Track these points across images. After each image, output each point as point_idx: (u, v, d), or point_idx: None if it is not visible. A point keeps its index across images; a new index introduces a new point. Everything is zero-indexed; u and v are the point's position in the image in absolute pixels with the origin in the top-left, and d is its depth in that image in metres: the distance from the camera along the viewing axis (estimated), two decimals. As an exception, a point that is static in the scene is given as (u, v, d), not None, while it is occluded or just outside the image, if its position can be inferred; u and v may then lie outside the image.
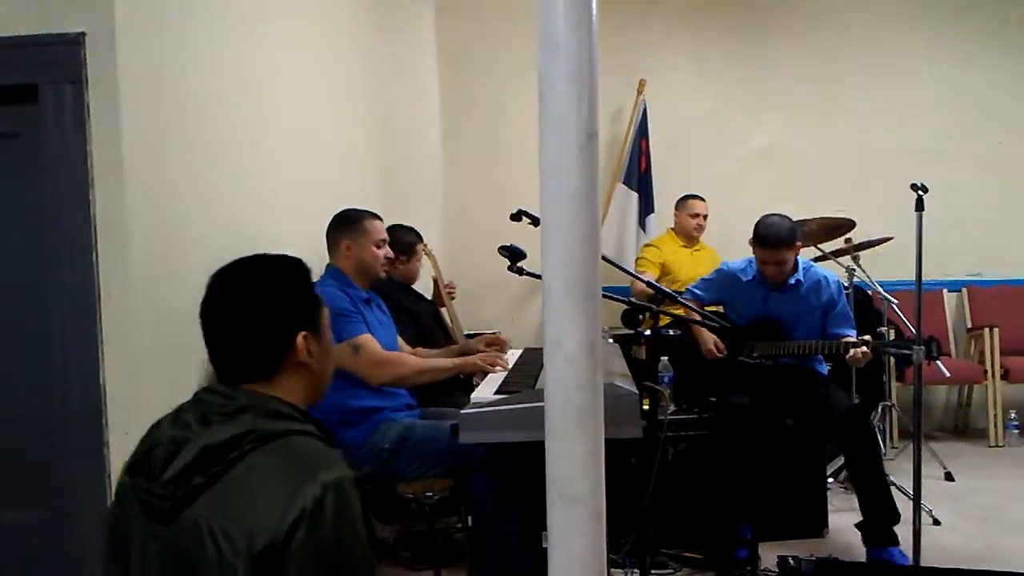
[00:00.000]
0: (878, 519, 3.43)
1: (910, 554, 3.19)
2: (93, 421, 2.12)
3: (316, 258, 3.52)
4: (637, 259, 5.38)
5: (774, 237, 3.59)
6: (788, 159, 5.93)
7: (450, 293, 4.65)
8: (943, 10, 5.91)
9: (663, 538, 3.50)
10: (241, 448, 1.33)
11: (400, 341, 3.36)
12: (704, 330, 3.80)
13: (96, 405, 2.12)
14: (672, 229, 5.39)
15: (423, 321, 3.92)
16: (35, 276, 2.16)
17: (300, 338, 1.47)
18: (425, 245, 4.38)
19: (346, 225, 3.15)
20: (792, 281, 3.70)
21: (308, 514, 1.27)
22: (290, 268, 1.53)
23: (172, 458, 1.35)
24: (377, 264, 3.16)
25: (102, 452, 2.12)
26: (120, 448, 2.12)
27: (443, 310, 4.49)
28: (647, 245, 5.44)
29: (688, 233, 5.28)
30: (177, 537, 1.32)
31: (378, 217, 3.22)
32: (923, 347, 3.14)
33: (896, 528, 3.42)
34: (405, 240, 3.88)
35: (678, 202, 5.35)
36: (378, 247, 3.15)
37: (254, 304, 1.45)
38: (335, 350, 2.83)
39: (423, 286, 4.37)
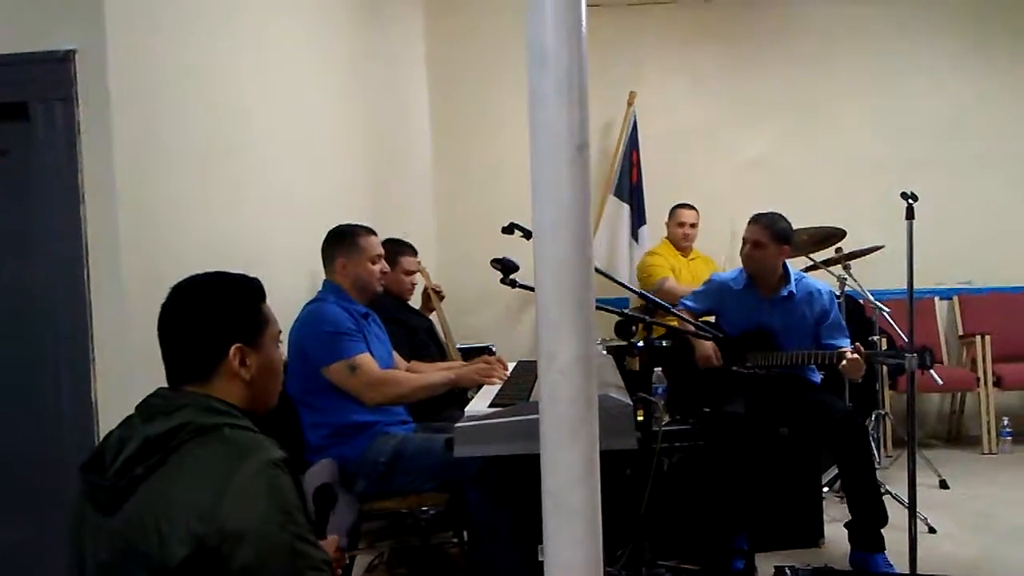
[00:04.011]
0: (867, 521, 3.44)
1: (906, 562, 3.19)
2: (85, 438, 2.10)
3: (307, 270, 3.52)
4: (647, 267, 5.32)
5: (756, 217, 3.75)
6: (778, 170, 5.94)
7: (438, 292, 4.55)
8: (930, 22, 5.96)
9: (659, 550, 3.48)
10: (178, 438, 1.45)
11: (396, 356, 3.35)
12: (700, 339, 3.81)
13: (88, 422, 2.11)
14: (667, 238, 5.41)
15: (418, 335, 3.91)
16: (26, 293, 2.15)
17: (233, 349, 1.58)
18: (418, 262, 4.36)
19: (340, 242, 3.14)
20: (784, 292, 3.72)
21: (241, 493, 1.39)
22: (237, 285, 1.66)
23: (119, 454, 1.46)
24: (374, 280, 3.16)
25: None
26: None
27: (434, 317, 4.43)
28: (650, 253, 5.42)
29: (677, 242, 5.30)
30: (122, 527, 1.42)
31: (373, 232, 3.21)
32: (916, 356, 3.15)
33: (892, 536, 3.42)
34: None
35: (670, 212, 5.38)
36: (373, 262, 3.15)
37: (194, 312, 1.60)
38: (333, 369, 2.87)
39: (415, 302, 4.34)
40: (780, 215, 3.77)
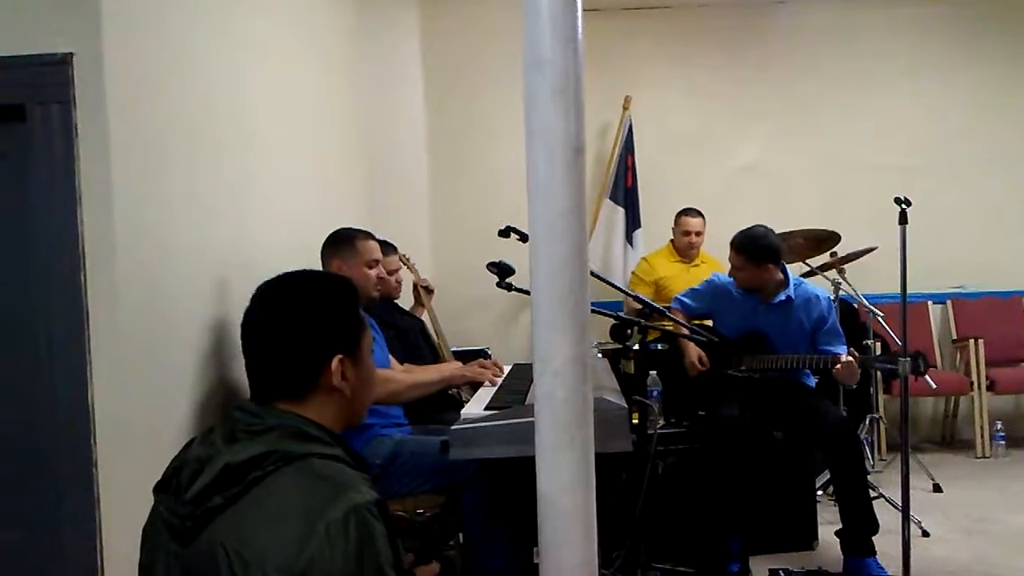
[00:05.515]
0: (857, 529, 3.45)
1: (899, 565, 3.20)
2: (81, 441, 2.10)
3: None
4: (633, 273, 5.36)
5: (734, 240, 3.70)
6: (773, 174, 5.96)
7: (427, 287, 4.51)
8: (922, 27, 5.98)
9: (654, 552, 3.49)
10: (263, 468, 1.29)
11: (393, 361, 3.35)
12: (689, 344, 3.81)
13: (84, 424, 2.10)
14: (671, 242, 5.36)
15: (409, 337, 3.90)
16: (23, 295, 2.15)
17: (335, 361, 1.42)
18: (405, 257, 4.35)
19: (338, 245, 3.14)
20: (782, 297, 3.71)
21: (328, 541, 1.22)
22: (336, 287, 1.49)
23: (196, 476, 1.31)
24: (369, 284, 3.14)
25: (90, 472, 2.11)
26: (109, 468, 2.11)
27: (424, 317, 4.41)
28: (645, 258, 5.41)
29: (683, 250, 5.27)
30: (195, 559, 1.29)
31: (371, 236, 3.20)
32: (908, 360, 3.16)
33: (886, 540, 3.43)
34: None
35: (676, 216, 5.31)
36: (370, 267, 3.13)
37: (291, 321, 1.42)
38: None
39: (406, 301, 4.33)
40: (760, 232, 3.67)
